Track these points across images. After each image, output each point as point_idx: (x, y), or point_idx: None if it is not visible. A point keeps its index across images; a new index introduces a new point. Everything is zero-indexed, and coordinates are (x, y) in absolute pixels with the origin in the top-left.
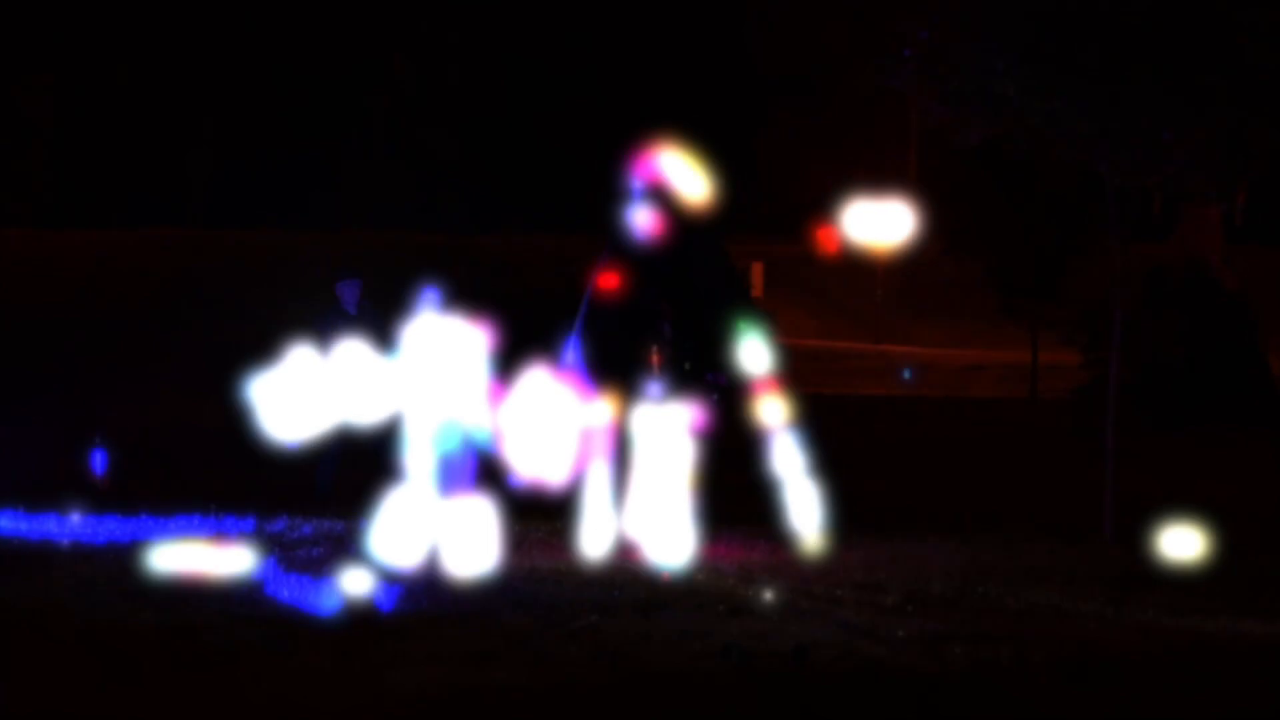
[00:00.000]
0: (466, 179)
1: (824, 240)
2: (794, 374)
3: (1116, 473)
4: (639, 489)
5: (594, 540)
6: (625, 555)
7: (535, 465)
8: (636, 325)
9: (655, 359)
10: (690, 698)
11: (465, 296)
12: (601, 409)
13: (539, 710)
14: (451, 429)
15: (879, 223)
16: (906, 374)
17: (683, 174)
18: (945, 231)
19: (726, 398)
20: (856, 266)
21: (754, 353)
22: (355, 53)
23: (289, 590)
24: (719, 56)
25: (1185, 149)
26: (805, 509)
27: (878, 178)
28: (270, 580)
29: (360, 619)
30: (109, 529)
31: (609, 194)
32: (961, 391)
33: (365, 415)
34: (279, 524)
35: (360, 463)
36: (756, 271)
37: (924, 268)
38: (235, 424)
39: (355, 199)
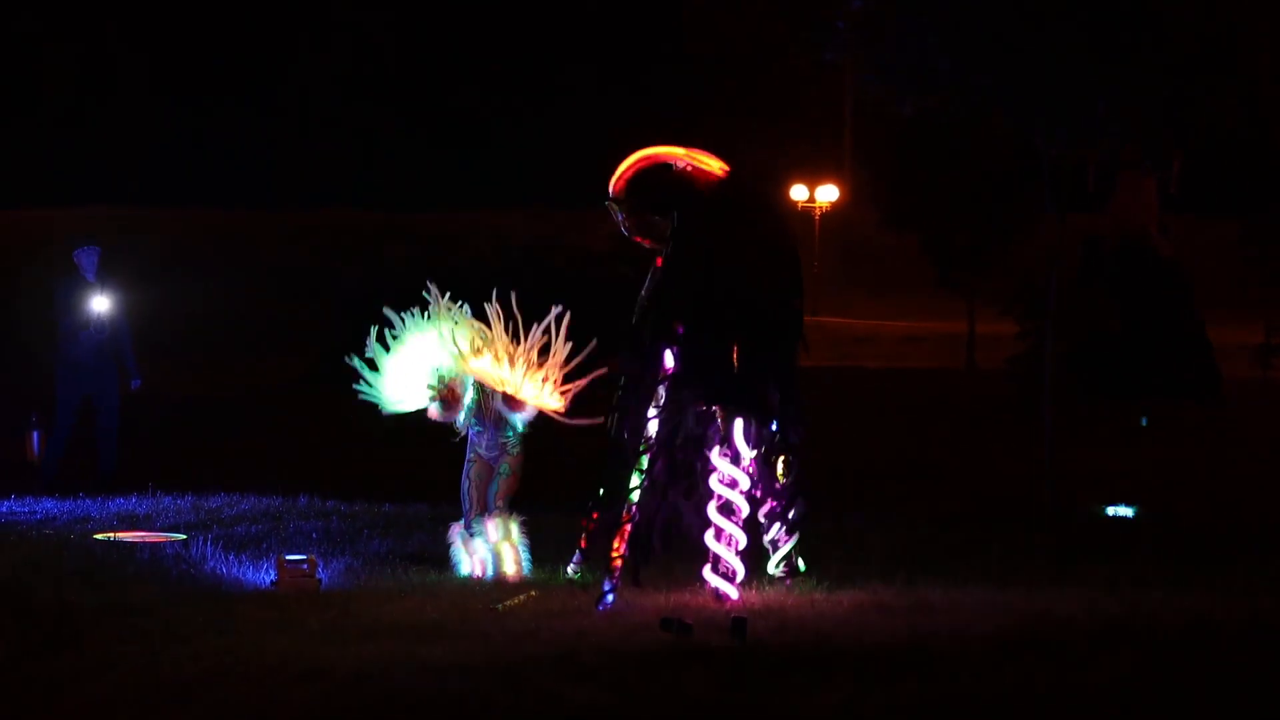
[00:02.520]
0: (404, 156)
1: None
2: None
3: (1053, 443)
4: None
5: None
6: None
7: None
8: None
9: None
10: (631, 670)
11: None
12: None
13: (476, 686)
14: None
15: (815, 196)
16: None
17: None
18: (882, 204)
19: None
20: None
21: None
22: (292, 29)
23: (226, 567)
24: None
25: (1120, 120)
26: None
27: (814, 152)
28: (208, 557)
29: (298, 594)
30: (47, 508)
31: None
32: (899, 362)
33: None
34: (216, 500)
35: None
36: None
37: (861, 240)
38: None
39: (293, 177)
